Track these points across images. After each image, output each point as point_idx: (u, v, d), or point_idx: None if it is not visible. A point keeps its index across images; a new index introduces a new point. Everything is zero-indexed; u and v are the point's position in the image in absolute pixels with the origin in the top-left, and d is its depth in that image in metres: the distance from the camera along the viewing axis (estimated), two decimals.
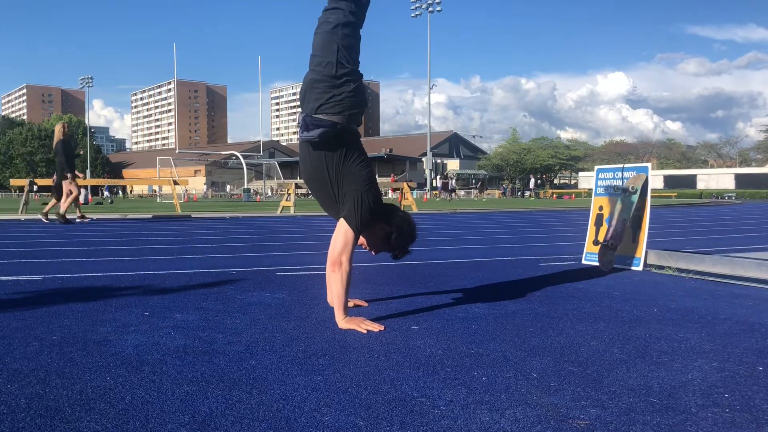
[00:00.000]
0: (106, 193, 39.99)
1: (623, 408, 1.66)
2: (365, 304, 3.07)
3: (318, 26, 2.70)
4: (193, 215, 13.25)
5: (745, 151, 72.81)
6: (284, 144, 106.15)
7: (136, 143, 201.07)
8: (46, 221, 10.37)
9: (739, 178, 51.68)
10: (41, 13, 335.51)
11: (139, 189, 63.52)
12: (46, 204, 11.31)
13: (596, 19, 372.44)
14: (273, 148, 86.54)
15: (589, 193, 34.47)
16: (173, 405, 1.65)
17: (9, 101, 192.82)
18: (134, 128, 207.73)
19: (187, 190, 39.64)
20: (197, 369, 1.98)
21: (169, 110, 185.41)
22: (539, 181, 59.80)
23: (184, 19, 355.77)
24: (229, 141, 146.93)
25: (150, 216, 12.79)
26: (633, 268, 4.52)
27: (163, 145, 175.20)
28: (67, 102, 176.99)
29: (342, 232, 2.62)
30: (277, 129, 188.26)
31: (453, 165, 72.81)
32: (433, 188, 42.08)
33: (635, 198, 4.53)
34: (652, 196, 4.72)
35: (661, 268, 4.47)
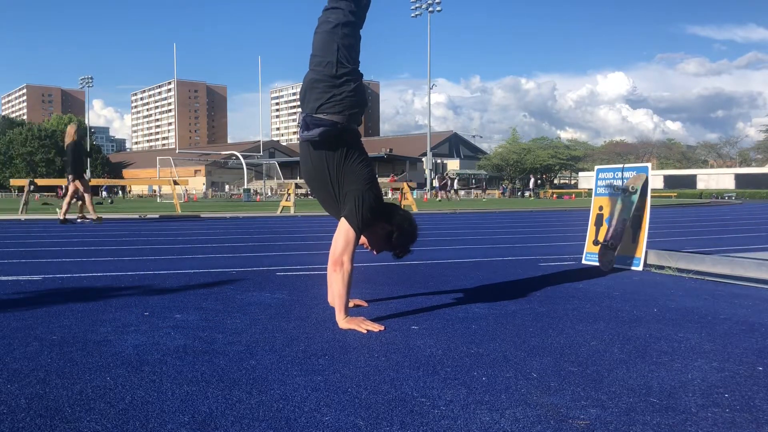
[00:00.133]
0: (104, 194, 39.97)
1: (623, 408, 1.66)
2: (365, 304, 3.07)
3: (318, 26, 2.70)
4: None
5: (745, 151, 72.82)
6: (284, 144, 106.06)
7: (136, 143, 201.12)
8: (86, 222, 10.29)
9: (739, 178, 51.69)
10: (41, 13, 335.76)
11: (139, 189, 63.50)
12: (47, 204, 11.31)
13: (596, 19, 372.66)
14: (273, 148, 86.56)
15: (589, 193, 34.49)
16: (173, 405, 1.65)
17: (9, 101, 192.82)
18: (134, 128, 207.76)
19: (187, 190, 39.64)
20: (197, 369, 1.98)
21: (169, 110, 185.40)
22: (539, 181, 59.79)
23: (184, 19, 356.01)
24: (229, 141, 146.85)
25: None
26: (633, 268, 4.52)
27: (163, 145, 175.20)
28: (67, 102, 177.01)
29: (343, 232, 2.62)
30: (277, 129, 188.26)
31: (453, 165, 72.79)
32: (432, 188, 42.07)
33: (635, 198, 4.53)
34: (652, 196, 4.72)
35: (661, 268, 4.47)
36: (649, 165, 4.79)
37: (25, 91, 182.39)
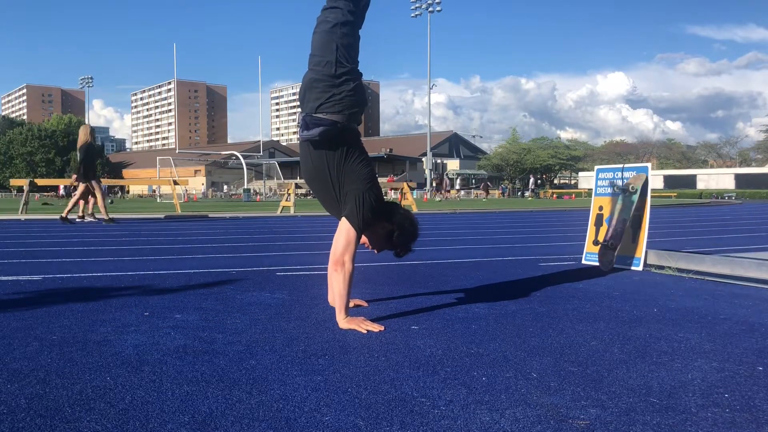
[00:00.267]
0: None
1: (623, 408, 1.66)
2: (365, 304, 3.07)
3: (317, 26, 2.70)
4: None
5: (745, 151, 72.82)
6: (284, 144, 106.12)
7: (136, 143, 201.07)
8: (104, 222, 10.27)
9: (739, 178, 51.69)
10: (41, 13, 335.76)
11: (139, 189, 63.49)
12: (47, 204, 11.34)
13: (596, 19, 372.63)
14: (273, 148, 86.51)
15: (589, 193, 34.49)
16: (173, 405, 1.65)
17: (9, 101, 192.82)
18: (134, 128, 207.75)
19: (186, 190, 39.63)
20: (197, 369, 1.98)
21: (169, 110, 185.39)
22: (539, 181, 59.77)
23: (184, 19, 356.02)
24: (229, 141, 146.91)
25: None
26: (633, 268, 4.52)
27: (163, 145, 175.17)
28: (67, 102, 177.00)
29: (344, 232, 2.62)
30: (277, 129, 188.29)
31: (453, 165, 72.80)
32: (432, 188, 42.11)
33: (635, 198, 4.53)
34: (652, 196, 4.72)
35: (661, 268, 4.47)
36: (649, 165, 4.79)
37: (25, 91, 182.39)
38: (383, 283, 3.83)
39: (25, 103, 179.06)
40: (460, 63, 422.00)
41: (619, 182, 4.78)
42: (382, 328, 2.54)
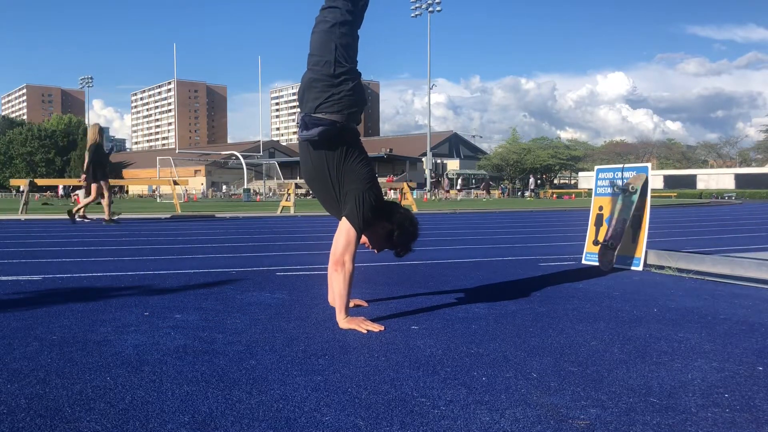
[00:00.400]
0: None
1: (623, 408, 1.66)
2: (365, 304, 3.07)
3: (315, 25, 2.70)
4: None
5: (745, 151, 72.81)
6: (284, 144, 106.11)
7: (136, 143, 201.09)
8: (104, 223, 10.24)
9: (739, 178, 51.68)
10: (41, 13, 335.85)
11: (139, 189, 63.47)
12: (47, 204, 11.34)
13: (596, 19, 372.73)
14: (273, 148, 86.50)
15: (589, 193, 34.48)
16: (173, 405, 1.65)
17: (9, 101, 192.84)
18: (134, 128, 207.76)
19: (186, 190, 39.63)
20: (197, 369, 1.98)
21: (169, 110, 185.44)
22: (539, 181, 59.76)
23: (184, 19, 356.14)
24: (229, 141, 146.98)
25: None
26: (633, 268, 4.52)
27: (163, 145, 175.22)
28: (67, 102, 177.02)
29: (344, 232, 2.62)
30: (277, 129, 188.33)
31: (453, 165, 72.79)
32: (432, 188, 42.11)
33: (635, 198, 4.53)
34: (652, 196, 4.72)
35: (661, 268, 4.47)
36: (649, 165, 4.79)
37: (25, 91, 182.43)
38: (383, 283, 3.83)
39: (25, 103, 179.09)
40: (460, 63, 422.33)
41: (619, 182, 4.78)
42: (382, 328, 2.54)
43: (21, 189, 12.98)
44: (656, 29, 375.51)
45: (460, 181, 43.44)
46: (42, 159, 76.72)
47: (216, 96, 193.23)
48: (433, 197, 33.95)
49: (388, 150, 72.42)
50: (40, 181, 16.26)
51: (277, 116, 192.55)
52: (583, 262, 4.91)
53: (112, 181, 11.86)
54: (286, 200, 15.27)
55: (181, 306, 3.03)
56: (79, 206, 10.44)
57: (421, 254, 5.27)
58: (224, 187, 63.77)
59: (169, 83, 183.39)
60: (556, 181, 71.58)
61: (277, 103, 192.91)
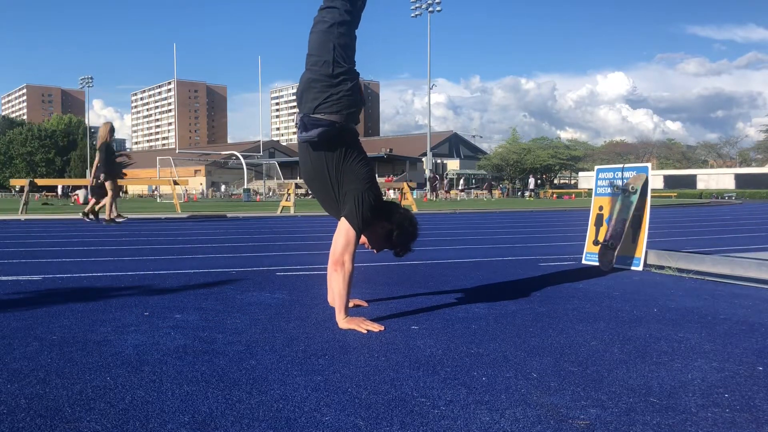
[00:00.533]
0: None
1: (623, 408, 1.66)
2: (365, 304, 3.07)
3: (314, 26, 2.70)
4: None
5: (745, 151, 72.80)
6: (284, 144, 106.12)
7: (136, 143, 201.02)
8: (94, 221, 10.20)
9: (739, 178, 51.68)
10: (41, 13, 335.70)
11: (139, 189, 63.45)
12: (47, 204, 11.33)
13: (596, 19, 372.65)
14: (273, 148, 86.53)
15: (589, 193, 34.49)
16: (173, 405, 1.65)
17: (9, 101, 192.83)
18: (134, 128, 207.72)
19: (186, 190, 39.63)
20: (197, 369, 1.98)
21: (169, 110, 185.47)
22: (539, 181, 59.74)
23: (184, 19, 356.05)
24: (229, 141, 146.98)
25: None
26: (633, 268, 4.52)
27: (163, 145, 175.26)
28: (67, 102, 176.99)
29: (343, 232, 2.62)
30: (277, 129, 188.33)
31: (453, 165, 72.79)
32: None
33: (635, 198, 4.53)
34: (652, 196, 4.72)
35: (661, 268, 4.47)
36: (649, 165, 4.79)
37: (25, 91, 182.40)
38: (383, 283, 3.83)
39: (25, 103, 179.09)
40: (460, 63, 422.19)
41: (619, 182, 4.78)
42: (382, 328, 2.54)
43: (17, 189, 12.98)
44: (656, 29, 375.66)
45: (462, 181, 43.44)
46: (42, 159, 76.73)
47: (216, 96, 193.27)
48: (433, 198, 33.94)
49: (388, 150, 72.42)
50: (40, 181, 16.27)
51: (277, 116, 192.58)
52: (583, 262, 4.91)
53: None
54: (286, 200, 15.28)
55: (181, 306, 3.03)
56: (100, 206, 10.43)
57: (421, 254, 5.27)
58: (223, 187, 63.75)
59: (169, 83, 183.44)
60: (556, 181, 71.55)
61: (277, 103, 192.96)
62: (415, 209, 15.72)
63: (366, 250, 2.85)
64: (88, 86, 69.53)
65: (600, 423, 1.55)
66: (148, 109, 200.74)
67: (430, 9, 44.72)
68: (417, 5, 45.68)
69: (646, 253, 4.57)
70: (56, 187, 42.97)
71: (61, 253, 5.54)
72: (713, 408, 1.67)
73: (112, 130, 10.27)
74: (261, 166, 60.71)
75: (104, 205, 10.35)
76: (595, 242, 4.83)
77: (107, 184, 10.07)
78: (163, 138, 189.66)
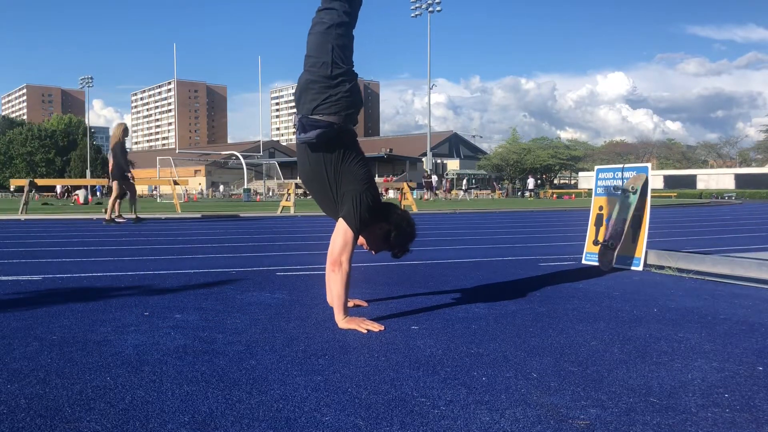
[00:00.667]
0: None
1: (623, 408, 1.66)
2: (365, 304, 3.07)
3: (312, 27, 2.70)
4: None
5: (745, 151, 72.78)
6: (284, 144, 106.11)
7: (136, 143, 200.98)
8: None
9: (739, 178, 51.65)
10: (41, 13, 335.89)
11: (139, 189, 63.41)
12: (47, 204, 11.34)
13: (596, 19, 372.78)
14: (273, 148, 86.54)
15: (589, 193, 34.47)
16: (173, 405, 1.65)
17: (9, 101, 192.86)
18: (134, 128, 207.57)
19: (186, 190, 39.63)
20: (197, 369, 1.98)
21: (169, 110, 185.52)
22: (539, 182, 59.72)
23: (184, 19, 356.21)
24: (229, 141, 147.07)
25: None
26: (633, 268, 4.52)
27: (163, 145, 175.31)
28: (67, 102, 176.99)
29: (341, 232, 2.62)
30: (277, 129, 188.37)
31: (453, 165, 72.80)
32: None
33: (635, 198, 4.53)
34: (652, 196, 4.72)
35: (661, 268, 4.47)
36: (649, 165, 4.79)
37: (25, 91, 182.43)
38: (383, 283, 3.83)
39: (25, 103, 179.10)
40: (460, 63, 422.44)
41: (619, 182, 4.78)
42: (382, 328, 2.54)
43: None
44: (656, 29, 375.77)
45: (464, 182, 43.43)
46: (42, 159, 76.68)
47: (216, 96, 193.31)
48: (430, 198, 33.91)
49: (388, 150, 72.42)
50: (40, 181, 16.26)
51: (277, 116, 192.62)
52: (583, 262, 4.91)
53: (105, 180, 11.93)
54: (286, 200, 15.27)
55: (181, 306, 3.03)
56: (133, 210, 10.56)
57: (420, 254, 5.28)
58: (221, 187, 63.72)
59: (169, 83, 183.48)
60: (556, 181, 71.53)
61: (277, 103, 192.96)
62: (415, 209, 15.72)
63: (365, 251, 2.85)
64: (88, 86, 69.52)
65: (600, 423, 1.55)
66: (148, 109, 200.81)
67: (430, 9, 44.70)
68: (417, 5, 45.66)
69: (646, 253, 4.57)
70: (54, 187, 42.95)
71: (61, 253, 5.53)
72: (713, 408, 1.67)
73: (126, 130, 10.34)
74: (261, 166, 60.70)
75: (134, 203, 10.46)
76: (595, 242, 4.83)
77: (114, 184, 10.10)
78: (163, 138, 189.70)
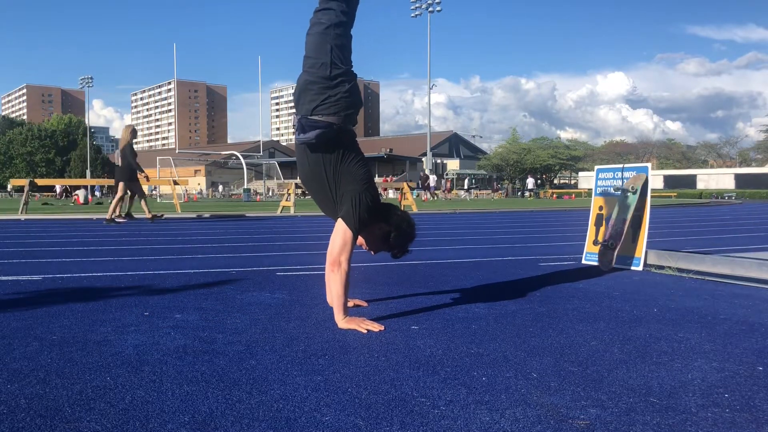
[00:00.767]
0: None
1: (623, 408, 1.66)
2: (365, 304, 3.07)
3: (310, 27, 2.70)
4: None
5: (745, 151, 72.76)
6: (284, 144, 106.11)
7: (136, 143, 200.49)
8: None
9: (739, 178, 51.63)
10: (41, 13, 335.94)
11: None
12: (47, 204, 11.37)
13: (596, 19, 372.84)
14: (273, 148, 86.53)
15: (588, 193, 34.47)
16: (173, 405, 1.65)
17: (9, 101, 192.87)
18: None
19: (186, 190, 39.63)
20: (197, 369, 1.98)
21: (169, 110, 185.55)
22: (539, 182, 59.71)
23: (184, 19, 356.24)
24: (229, 141, 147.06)
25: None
26: (633, 268, 4.52)
27: (163, 145, 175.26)
28: (67, 102, 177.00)
29: (340, 232, 2.62)
30: (277, 129, 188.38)
31: (453, 165, 72.77)
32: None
33: (635, 198, 4.53)
34: (652, 196, 4.72)
35: (661, 268, 4.47)
36: (649, 165, 4.79)
37: (25, 91, 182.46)
38: (383, 283, 3.83)
39: (25, 103, 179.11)
40: (460, 63, 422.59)
41: (619, 182, 4.78)
42: (382, 328, 2.54)
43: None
44: (656, 29, 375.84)
45: (466, 182, 43.53)
46: (42, 159, 76.64)
47: (216, 96, 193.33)
48: (433, 198, 33.92)
49: (388, 150, 72.41)
50: (40, 181, 16.26)
51: (277, 116, 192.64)
52: (583, 262, 4.91)
53: (111, 182, 11.93)
54: (286, 200, 15.27)
55: (181, 306, 3.03)
56: (146, 210, 10.60)
57: (420, 254, 5.28)
58: (221, 187, 63.71)
59: (169, 83, 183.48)
60: (556, 181, 71.51)
61: (277, 103, 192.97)
62: (415, 209, 15.72)
63: (364, 251, 2.85)
64: (88, 86, 69.54)
65: (600, 423, 1.55)
66: (148, 109, 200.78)
67: (430, 9, 44.70)
68: (417, 5, 45.66)
69: (646, 253, 4.57)
70: (53, 187, 42.94)
71: (61, 253, 5.53)
72: (713, 408, 1.67)
73: (134, 132, 10.43)
74: (261, 166, 60.69)
75: (144, 204, 10.50)
76: (595, 242, 4.83)
77: (120, 185, 10.13)
78: (163, 138, 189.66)
